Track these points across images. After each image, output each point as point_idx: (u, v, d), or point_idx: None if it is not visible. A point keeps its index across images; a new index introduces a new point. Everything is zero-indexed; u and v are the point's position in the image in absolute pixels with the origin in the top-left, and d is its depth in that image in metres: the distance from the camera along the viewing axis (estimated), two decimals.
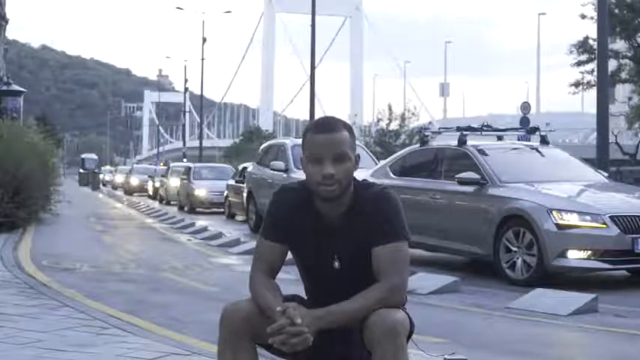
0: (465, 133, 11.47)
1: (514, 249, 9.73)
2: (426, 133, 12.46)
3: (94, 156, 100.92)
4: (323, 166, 2.98)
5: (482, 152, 10.95)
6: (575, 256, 9.38)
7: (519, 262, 9.65)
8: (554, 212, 9.47)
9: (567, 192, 10.18)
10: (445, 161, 11.51)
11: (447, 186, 11.04)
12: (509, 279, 9.68)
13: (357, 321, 2.92)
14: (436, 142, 12.18)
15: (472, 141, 11.51)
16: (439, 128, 13.32)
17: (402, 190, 11.34)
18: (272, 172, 17.24)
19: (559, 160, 11.71)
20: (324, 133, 3.01)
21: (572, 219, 9.44)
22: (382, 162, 13.58)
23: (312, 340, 2.85)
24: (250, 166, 20.15)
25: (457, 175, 10.69)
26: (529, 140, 12.81)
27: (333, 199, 3.03)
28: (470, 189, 10.63)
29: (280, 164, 17.04)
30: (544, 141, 11.76)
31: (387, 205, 3.05)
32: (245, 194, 19.27)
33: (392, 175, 12.17)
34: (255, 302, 3.01)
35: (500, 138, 12.26)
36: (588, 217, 9.41)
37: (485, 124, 12.39)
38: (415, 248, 11.44)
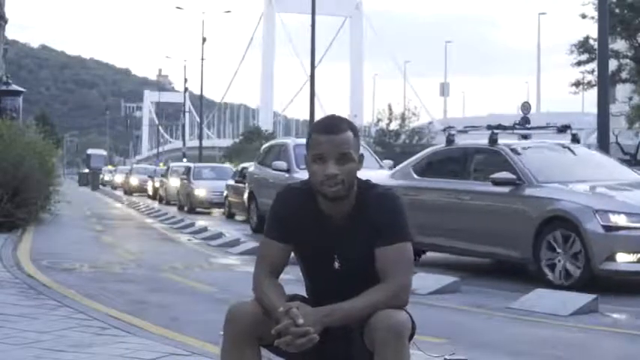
0: (495, 131, 10.90)
1: (556, 252, 9.23)
2: (452, 132, 11.59)
3: (102, 152, 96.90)
4: (326, 166, 2.99)
5: (514, 151, 10.41)
6: (625, 260, 8.90)
7: (563, 266, 9.16)
8: (600, 213, 9.00)
9: (611, 192, 9.74)
10: (474, 161, 11.03)
11: (479, 187, 10.54)
12: (551, 284, 9.04)
13: (361, 320, 2.92)
14: (462, 142, 11.57)
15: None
16: (464, 127, 12.47)
17: (427, 191, 11.03)
18: (274, 172, 17.10)
19: (592, 159, 11.24)
20: (327, 134, 3.01)
21: (619, 220, 8.97)
22: (404, 162, 12.53)
23: (317, 339, 2.84)
24: (252, 167, 20.09)
25: (492, 176, 10.15)
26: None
27: (338, 199, 3.03)
28: (505, 190, 10.08)
29: (282, 164, 16.92)
30: (575, 139, 11.16)
31: (391, 206, 3.04)
32: (246, 194, 19.21)
33: (415, 176, 11.60)
34: (259, 303, 3.00)
35: (525, 137, 11.56)
36: (636, 218, 8.98)
37: (517, 122, 11.79)
38: (444, 252, 11.19)
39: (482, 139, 11.17)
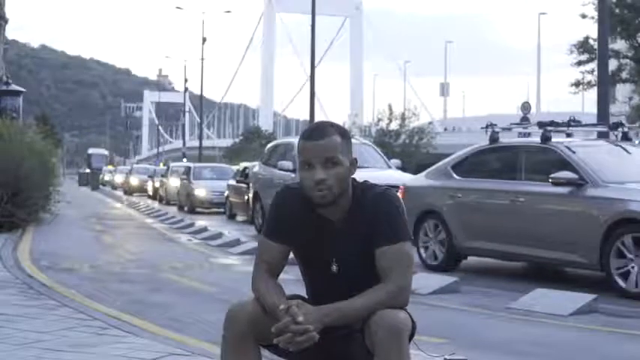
0: (548, 129, 10.19)
1: (628, 258, 8.62)
2: (496, 130, 10.84)
3: (103, 151, 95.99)
4: (314, 172, 2.99)
5: (571, 149, 9.75)
6: None
7: (637, 272, 8.55)
8: None
9: None
10: (525, 160, 10.27)
11: (533, 187, 9.89)
12: (621, 291, 8.59)
13: (361, 320, 2.92)
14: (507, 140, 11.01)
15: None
16: (510, 124, 11.90)
17: (471, 192, 10.60)
18: (279, 172, 16.81)
19: None
20: (313, 140, 3.02)
21: None
22: (441, 162, 11.78)
23: (317, 338, 2.84)
24: (256, 167, 19.91)
25: (552, 175, 9.48)
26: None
27: (327, 205, 3.03)
28: (564, 190, 9.44)
29: (288, 164, 16.61)
30: (626, 137, 10.60)
31: (390, 206, 3.04)
32: (251, 195, 19.05)
33: (455, 176, 10.95)
34: (259, 302, 3.00)
35: (569, 135, 10.76)
36: None
37: (573, 118, 10.97)
38: (493, 257, 10.73)
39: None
